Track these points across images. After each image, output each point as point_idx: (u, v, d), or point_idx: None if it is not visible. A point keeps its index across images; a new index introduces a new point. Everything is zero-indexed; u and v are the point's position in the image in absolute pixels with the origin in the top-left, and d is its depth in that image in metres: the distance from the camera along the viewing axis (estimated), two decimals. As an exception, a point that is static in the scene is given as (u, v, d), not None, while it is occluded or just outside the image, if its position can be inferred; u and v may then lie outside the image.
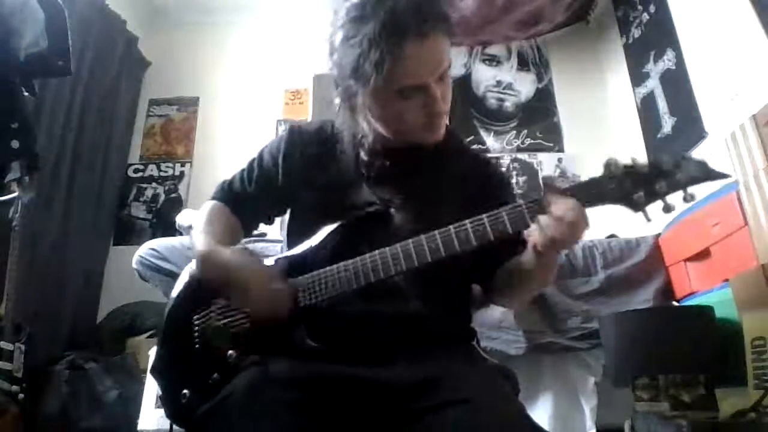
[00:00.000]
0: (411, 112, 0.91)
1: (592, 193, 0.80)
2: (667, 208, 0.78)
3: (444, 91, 0.92)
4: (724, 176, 0.77)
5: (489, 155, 3.58)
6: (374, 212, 0.94)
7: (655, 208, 0.80)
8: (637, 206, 0.78)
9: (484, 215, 0.82)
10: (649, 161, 0.79)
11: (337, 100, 0.97)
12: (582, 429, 2.07)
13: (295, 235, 1.03)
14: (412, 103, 0.90)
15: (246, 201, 1.09)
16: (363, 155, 1.00)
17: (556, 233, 0.78)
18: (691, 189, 0.77)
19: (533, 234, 0.80)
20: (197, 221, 1.06)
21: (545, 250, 0.81)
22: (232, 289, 0.90)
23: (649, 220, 0.79)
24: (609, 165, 0.80)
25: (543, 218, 0.79)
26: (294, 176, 1.04)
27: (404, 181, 0.98)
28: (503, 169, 1.02)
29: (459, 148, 1.09)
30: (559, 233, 0.77)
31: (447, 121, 0.98)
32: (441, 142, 0.98)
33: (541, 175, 3.55)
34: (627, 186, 0.78)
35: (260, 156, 1.10)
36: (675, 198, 0.78)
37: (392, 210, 0.94)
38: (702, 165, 0.77)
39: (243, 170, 1.11)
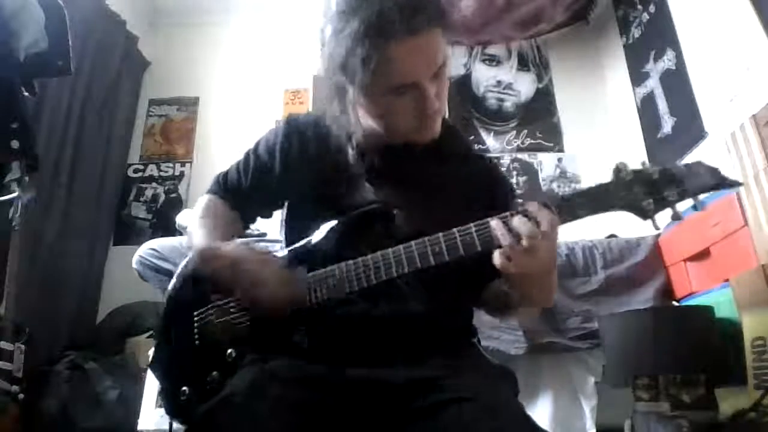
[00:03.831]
0: (402, 110, 0.87)
1: (600, 199, 0.77)
2: (676, 216, 0.75)
3: (439, 88, 0.87)
4: (737, 185, 0.74)
5: (489, 155, 3.59)
6: (374, 210, 0.92)
7: (662, 213, 0.78)
8: (646, 214, 0.76)
9: (489, 219, 0.78)
10: (659, 167, 0.76)
11: (328, 92, 0.93)
12: (582, 429, 2.08)
13: (293, 231, 1.01)
14: (404, 101, 0.86)
15: (242, 193, 1.07)
16: (353, 152, 0.97)
17: (510, 252, 0.74)
18: (701, 197, 0.74)
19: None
20: (194, 216, 1.04)
21: (503, 269, 0.76)
22: (239, 281, 0.86)
23: (657, 228, 0.76)
24: (619, 170, 0.77)
25: (496, 224, 0.76)
26: (291, 168, 1.02)
27: (403, 179, 0.95)
28: (504, 171, 0.98)
29: (459, 148, 1.06)
30: (514, 253, 0.74)
31: (446, 116, 0.96)
32: (440, 139, 0.95)
33: (541, 175, 3.55)
34: (636, 193, 0.76)
35: (256, 147, 1.07)
36: (684, 205, 0.75)
37: (395, 211, 0.92)
38: (714, 172, 0.74)
39: (239, 162, 1.09)
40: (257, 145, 1.08)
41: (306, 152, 1.01)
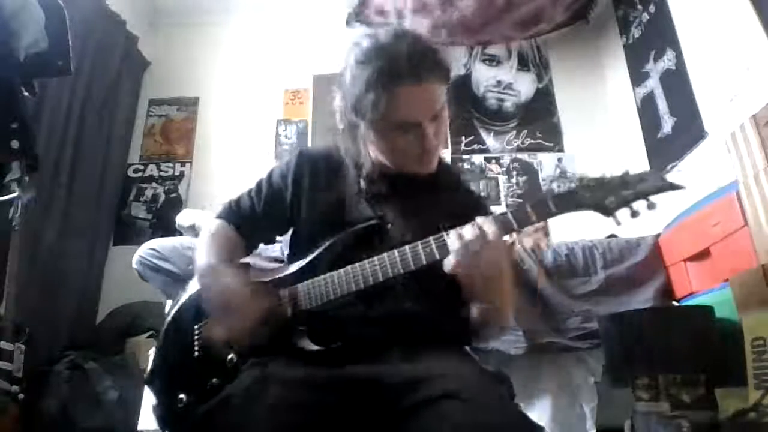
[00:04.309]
0: (405, 145, 0.99)
1: (568, 200, 0.89)
2: (634, 214, 0.87)
3: (437, 128, 0.99)
4: (679, 188, 0.87)
5: (489, 155, 3.60)
6: (372, 226, 0.99)
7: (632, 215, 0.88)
8: (608, 211, 0.88)
9: (477, 220, 0.88)
10: (615, 175, 0.90)
11: (342, 127, 1.06)
12: (582, 429, 2.08)
13: (297, 250, 1.07)
14: (407, 138, 0.98)
15: (252, 221, 1.12)
16: (362, 179, 1.07)
17: (458, 256, 0.85)
18: (653, 198, 0.86)
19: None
20: (202, 237, 1.10)
21: (452, 270, 0.86)
22: (217, 309, 0.95)
23: (618, 224, 0.88)
24: (582, 178, 0.91)
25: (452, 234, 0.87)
26: (301, 198, 1.09)
27: (400, 202, 1.04)
28: (488, 206, 1.17)
29: (452, 181, 1.17)
30: (461, 256, 0.85)
31: (440, 154, 1.08)
32: (436, 173, 1.06)
33: (541, 175, 3.55)
34: (599, 194, 0.88)
35: (270, 176, 1.14)
36: (640, 206, 0.87)
37: (389, 225, 1.00)
38: (660, 178, 0.87)
39: (251, 190, 1.15)
40: (270, 173, 1.15)
41: (317, 181, 1.10)
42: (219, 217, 1.15)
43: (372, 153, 1.04)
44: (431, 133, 0.98)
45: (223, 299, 0.94)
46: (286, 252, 1.16)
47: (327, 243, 0.98)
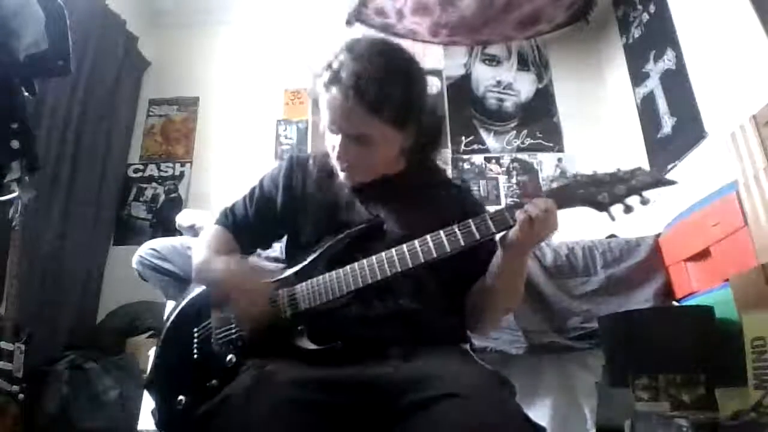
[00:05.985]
0: (329, 148, 1.04)
1: (564, 196, 0.92)
2: (627, 209, 0.90)
3: (357, 150, 1.00)
4: (671, 183, 0.90)
5: (489, 155, 3.60)
6: (370, 226, 1.00)
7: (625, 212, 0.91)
8: (602, 206, 0.91)
9: (470, 220, 0.91)
10: (609, 172, 0.93)
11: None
12: (582, 429, 2.08)
13: (293, 253, 1.09)
14: (330, 141, 1.03)
15: (246, 228, 1.15)
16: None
17: (528, 225, 0.88)
18: (646, 194, 0.90)
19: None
20: (199, 241, 1.14)
21: (519, 237, 0.90)
22: (224, 296, 0.98)
23: (613, 219, 0.91)
24: (575, 175, 0.95)
25: (519, 212, 0.90)
26: (293, 204, 1.11)
27: (392, 201, 1.05)
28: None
29: (433, 177, 1.17)
30: (531, 226, 0.88)
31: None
32: (420, 174, 1.10)
33: (541, 175, 3.55)
34: (592, 190, 0.92)
35: (261, 184, 1.17)
36: (634, 201, 0.90)
37: (386, 225, 1.01)
38: (652, 173, 0.91)
39: (245, 197, 1.18)
40: (262, 179, 1.18)
41: (308, 185, 1.12)
42: (217, 223, 1.18)
43: None
44: (346, 147, 1.00)
45: (225, 277, 0.98)
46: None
47: (326, 244, 0.99)
